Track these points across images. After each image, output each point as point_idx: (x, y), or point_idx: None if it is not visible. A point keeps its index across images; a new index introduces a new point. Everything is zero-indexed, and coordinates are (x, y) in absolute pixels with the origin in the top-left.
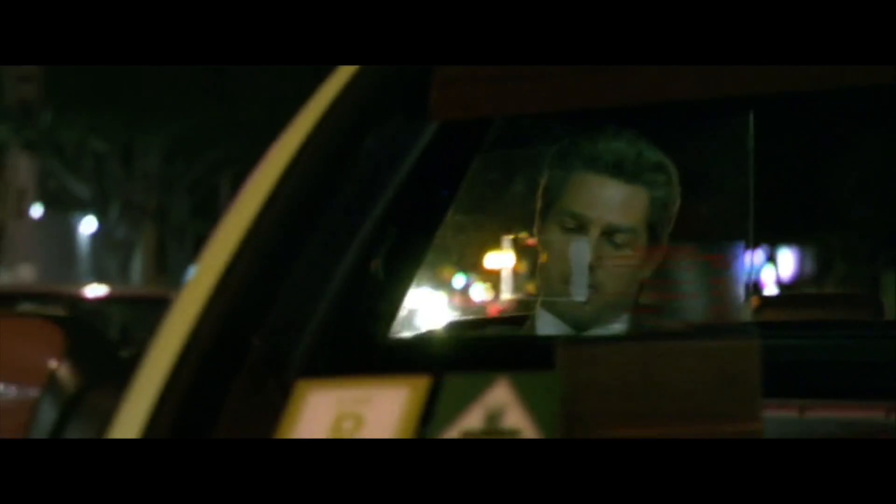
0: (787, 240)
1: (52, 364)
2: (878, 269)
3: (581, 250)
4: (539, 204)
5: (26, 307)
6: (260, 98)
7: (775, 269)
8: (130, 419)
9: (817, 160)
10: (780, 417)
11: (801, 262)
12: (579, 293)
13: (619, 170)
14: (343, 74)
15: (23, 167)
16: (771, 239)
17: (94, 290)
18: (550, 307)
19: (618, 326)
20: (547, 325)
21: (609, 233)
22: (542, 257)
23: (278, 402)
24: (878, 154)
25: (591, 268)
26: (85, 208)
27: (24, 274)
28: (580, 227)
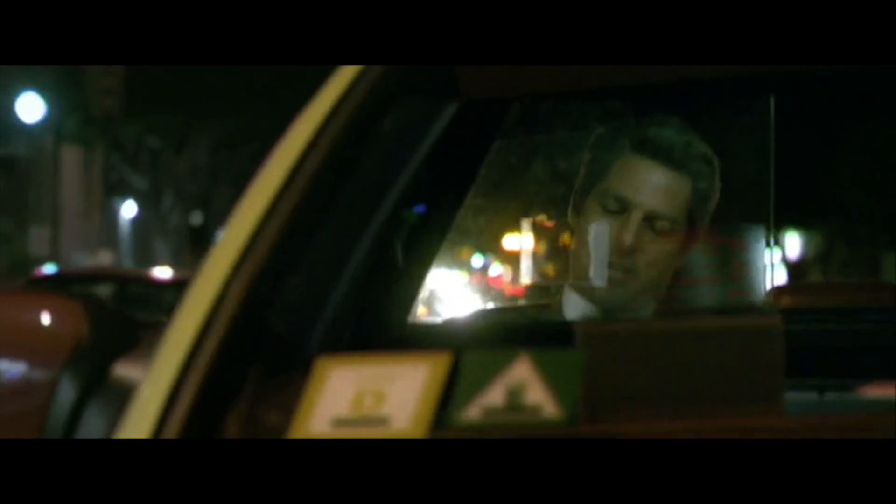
0: (793, 224)
1: (73, 342)
2: (877, 252)
3: (621, 232)
4: (579, 182)
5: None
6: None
7: (782, 252)
8: (150, 399)
9: (823, 146)
10: (800, 398)
11: (805, 247)
12: (615, 275)
13: (668, 157)
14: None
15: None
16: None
17: (162, 273)
18: (581, 288)
19: (645, 312)
20: (576, 306)
21: (651, 218)
22: (578, 237)
23: (299, 380)
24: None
25: (630, 250)
26: (141, 198)
27: (104, 258)
28: (623, 209)
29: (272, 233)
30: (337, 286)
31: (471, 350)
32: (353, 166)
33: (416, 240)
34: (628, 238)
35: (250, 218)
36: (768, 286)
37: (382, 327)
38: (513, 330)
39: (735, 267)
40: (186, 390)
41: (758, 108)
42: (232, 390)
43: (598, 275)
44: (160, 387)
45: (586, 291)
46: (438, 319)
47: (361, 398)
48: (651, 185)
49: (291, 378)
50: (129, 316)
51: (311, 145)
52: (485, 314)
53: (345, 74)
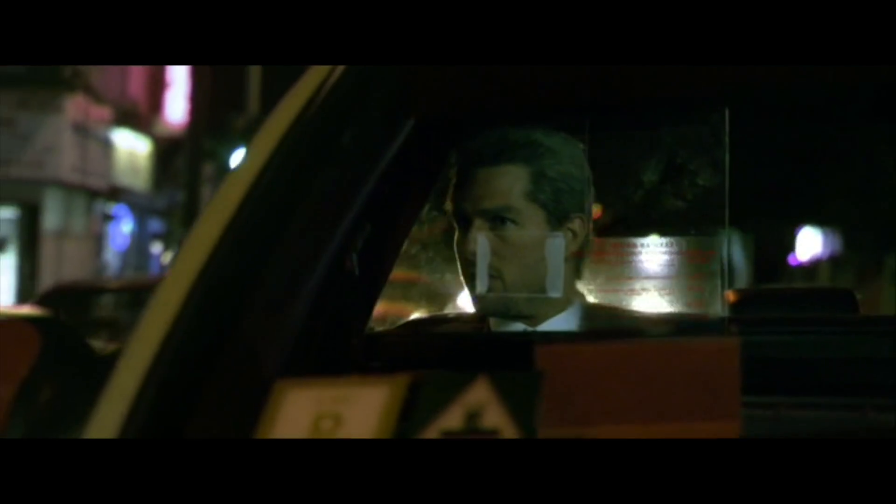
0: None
1: (26, 366)
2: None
3: (470, 244)
4: (450, 217)
5: None
6: None
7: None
8: (105, 419)
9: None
10: (756, 415)
11: (823, 245)
12: (483, 285)
13: (480, 157)
14: (320, 71)
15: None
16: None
17: None
18: (475, 304)
19: (567, 316)
20: (493, 321)
21: (487, 218)
22: (459, 260)
23: (257, 401)
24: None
25: (486, 257)
26: None
27: None
28: (466, 221)
29: (229, 251)
30: (294, 303)
31: (429, 372)
32: (310, 183)
33: (372, 253)
34: (471, 245)
35: (206, 237)
36: (725, 296)
37: (339, 340)
38: (467, 339)
39: (692, 278)
40: (141, 413)
41: (713, 120)
42: (188, 415)
43: (477, 288)
44: (114, 411)
45: (480, 305)
46: (393, 331)
47: (319, 421)
48: (473, 188)
49: (249, 401)
50: (86, 338)
51: (269, 161)
52: (436, 322)
53: (302, 91)
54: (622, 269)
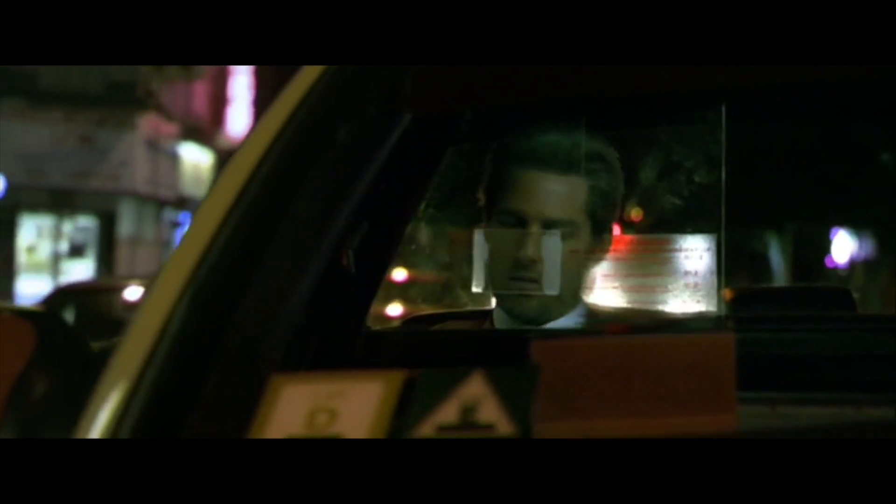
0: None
1: (21, 362)
2: None
3: (520, 246)
4: (481, 203)
5: None
6: None
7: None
8: (99, 415)
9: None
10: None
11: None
12: (523, 288)
13: (553, 162)
14: (315, 68)
15: None
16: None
17: None
18: (500, 303)
19: (572, 319)
20: (502, 320)
21: (547, 227)
22: (490, 254)
23: (253, 396)
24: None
25: (533, 262)
26: None
27: None
28: (520, 223)
29: (225, 247)
30: (291, 299)
31: (425, 367)
32: (306, 179)
33: (369, 250)
34: (529, 251)
35: (202, 234)
36: (721, 294)
37: (336, 338)
38: (463, 336)
39: (688, 275)
40: (137, 407)
41: (710, 117)
42: (183, 409)
43: (512, 288)
44: (110, 406)
45: (505, 305)
46: (390, 329)
47: (315, 416)
48: (541, 193)
49: (245, 396)
50: (83, 334)
51: (265, 158)
52: (436, 319)
53: (298, 87)
54: (619, 266)
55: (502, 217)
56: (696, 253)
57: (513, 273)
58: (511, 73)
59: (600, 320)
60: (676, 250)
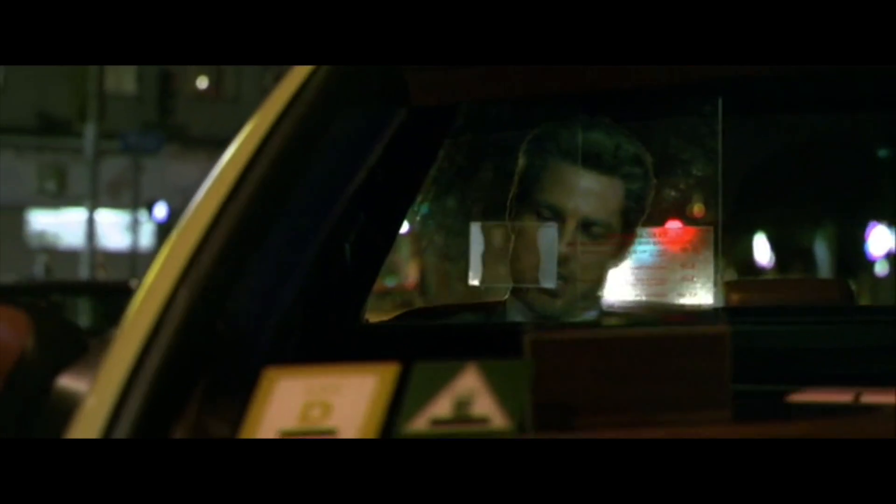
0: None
1: (17, 354)
2: None
3: (555, 241)
4: (514, 191)
5: None
6: None
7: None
8: (95, 412)
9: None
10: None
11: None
12: (550, 283)
13: (598, 162)
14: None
15: None
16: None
17: None
18: (521, 296)
19: (588, 316)
20: (517, 314)
21: (586, 225)
22: (515, 245)
23: (247, 390)
24: None
25: (566, 259)
26: None
27: None
28: (556, 217)
29: (220, 239)
30: (286, 292)
31: (419, 361)
32: (302, 171)
33: (365, 243)
34: (563, 247)
35: (197, 224)
36: (718, 286)
37: (332, 331)
38: (463, 331)
39: (685, 267)
40: (132, 402)
41: (706, 110)
42: (178, 402)
43: (537, 282)
44: (105, 400)
45: (525, 299)
46: (387, 322)
47: (309, 410)
48: (582, 191)
49: (239, 389)
50: (77, 326)
51: (259, 151)
52: (436, 313)
53: (293, 80)
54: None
55: (538, 209)
56: (693, 245)
57: (545, 267)
58: (506, 66)
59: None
60: (673, 242)
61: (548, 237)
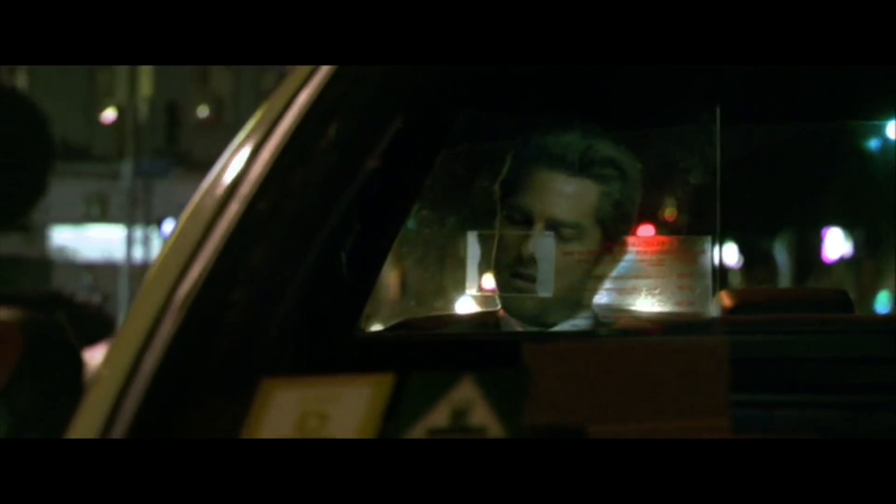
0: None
1: (9, 367)
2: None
3: (522, 243)
4: (496, 198)
5: None
6: None
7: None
8: (89, 422)
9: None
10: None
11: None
12: (521, 285)
13: (564, 162)
14: (304, 69)
15: None
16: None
17: None
18: (502, 302)
19: (578, 325)
20: (507, 321)
21: (552, 227)
22: (494, 250)
23: (243, 401)
24: None
25: (531, 260)
26: None
27: None
28: (526, 220)
29: (214, 250)
30: (281, 302)
31: (415, 371)
32: (297, 179)
33: (362, 252)
34: (529, 248)
35: (190, 235)
36: (715, 296)
37: (328, 341)
38: (460, 341)
39: (682, 277)
40: (126, 412)
41: (704, 118)
42: (174, 414)
43: (512, 286)
44: (99, 411)
45: (506, 304)
46: (385, 332)
47: (305, 420)
48: (549, 193)
49: (236, 400)
50: (72, 342)
51: (254, 159)
52: (433, 323)
53: (291, 86)
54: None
55: (511, 213)
56: (691, 255)
57: (513, 269)
58: (503, 74)
59: (607, 327)
60: (670, 252)
61: (517, 240)
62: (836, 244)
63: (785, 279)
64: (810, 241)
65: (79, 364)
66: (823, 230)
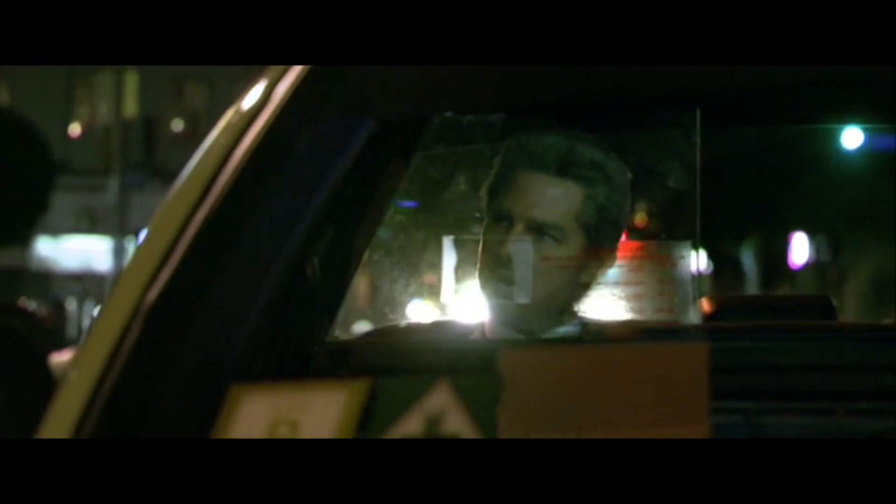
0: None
1: None
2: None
3: (502, 245)
4: (483, 201)
5: None
6: None
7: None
8: (58, 423)
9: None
10: (728, 421)
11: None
12: (502, 288)
13: (545, 163)
14: (276, 72)
15: None
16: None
17: None
18: (487, 307)
19: (549, 326)
20: (494, 330)
21: (533, 228)
22: (480, 256)
23: (212, 407)
24: None
25: (509, 260)
26: None
27: None
28: (507, 222)
29: (183, 256)
30: (252, 308)
31: (388, 376)
32: (268, 186)
33: (334, 258)
34: (507, 249)
35: (160, 241)
36: (697, 302)
37: (299, 348)
38: (434, 348)
39: (663, 283)
40: (93, 418)
41: (684, 121)
42: (142, 419)
43: (493, 289)
44: (66, 418)
45: (489, 306)
46: (357, 339)
47: (276, 427)
48: (530, 194)
49: (205, 406)
50: (34, 350)
51: (225, 163)
52: (406, 330)
53: (258, 93)
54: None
55: (494, 215)
56: (671, 260)
57: (494, 272)
58: (481, 75)
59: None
60: (652, 258)
61: (497, 242)
62: (801, 249)
63: (752, 285)
64: (777, 246)
65: (41, 366)
66: (790, 235)
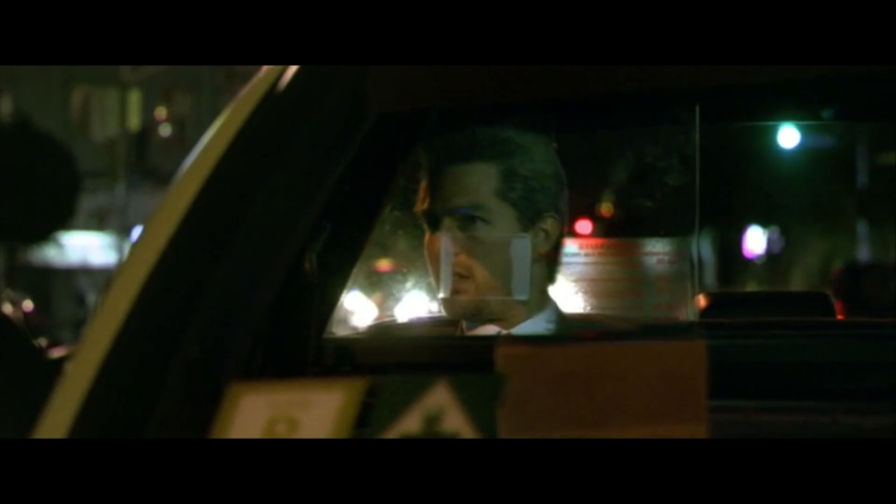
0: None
1: None
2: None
3: (439, 244)
4: (421, 222)
5: None
6: None
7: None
8: (54, 427)
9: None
10: (726, 419)
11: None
12: (447, 287)
13: (449, 155)
14: (275, 68)
15: None
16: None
17: None
18: (444, 307)
19: (539, 324)
20: (469, 325)
21: (457, 217)
22: (428, 266)
23: (211, 405)
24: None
25: (450, 257)
26: None
27: None
28: (436, 222)
29: (181, 252)
30: (250, 305)
31: (388, 375)
32: (266, 181)
33: (333, 254)
34: (437, 244)
35: (158, 237)
36: (695, 298)
37: (298, 344)
38: (429, 345)
39: (661, 279)
40: (93, 417)
41: (683, 117)
42: (141, 417)
43: (444, 290)
44: (65, 415)
45: (448, 308)
46: (354, 335)
47: (274, 425)
48: (443, 187)
49: (203, 404)
50: (32, 343)
51: (224, 161)
52: (402, 327)
53: (257, 88)
54: (590, 270)
55: (428, 224)
56: (667, 257)
57: (445, 275)
58: (480, 72)
59: (568, 324)
60: (648, 254)
61: (433, 243)
62: (756, 241)
63: (711, 276)
64: (732, 238)
65: (41, 362)
66: (745, 228)
